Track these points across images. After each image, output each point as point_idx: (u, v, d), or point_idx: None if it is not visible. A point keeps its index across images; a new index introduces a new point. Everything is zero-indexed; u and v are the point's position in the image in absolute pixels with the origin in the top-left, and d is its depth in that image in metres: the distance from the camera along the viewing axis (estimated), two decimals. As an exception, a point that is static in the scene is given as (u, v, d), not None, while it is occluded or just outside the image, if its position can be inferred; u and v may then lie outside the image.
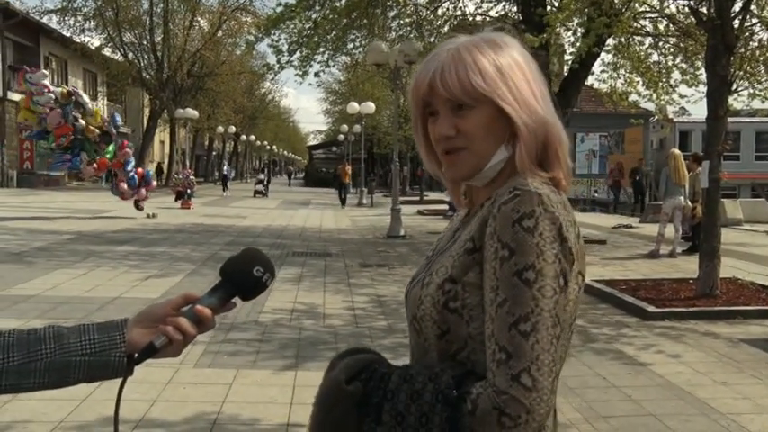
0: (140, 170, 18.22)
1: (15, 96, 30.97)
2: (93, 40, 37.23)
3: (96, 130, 16.37)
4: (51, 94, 15.67)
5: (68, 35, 34.57)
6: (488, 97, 1.19)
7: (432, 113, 1.26)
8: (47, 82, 15.97)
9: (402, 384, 1.14)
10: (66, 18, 34.60)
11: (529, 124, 1.21)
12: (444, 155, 1.26)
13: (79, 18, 34.98)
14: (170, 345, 1.21)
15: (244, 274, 1.26)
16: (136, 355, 1.22)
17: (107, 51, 37.12)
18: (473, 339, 1.18)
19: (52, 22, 34.62)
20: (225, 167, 38.26)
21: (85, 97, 16.33)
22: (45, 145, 16.89)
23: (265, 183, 33.77)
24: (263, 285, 1.27)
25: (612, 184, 27.84)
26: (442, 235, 1.43)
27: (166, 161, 43.56)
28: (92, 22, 35.56)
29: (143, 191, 17.72)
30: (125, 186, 17.27)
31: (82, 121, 15.99)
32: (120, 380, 1.21)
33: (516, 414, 1.07)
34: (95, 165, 16.74)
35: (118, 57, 37.39)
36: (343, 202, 27.91)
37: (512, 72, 1.22)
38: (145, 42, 38.02)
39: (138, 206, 17.88)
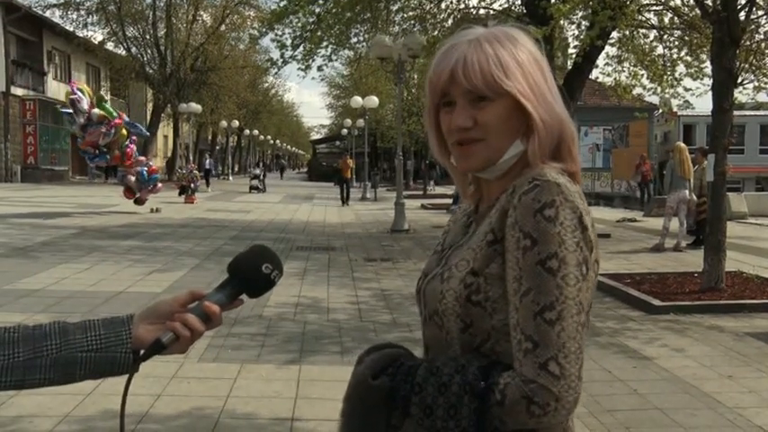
0: (154, 167, 18.41)
1: (18, 91, 31.04)
2: (96, 35, 37.28)
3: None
4: (81, 119, 16.25)
5: (71, 30, 34.61)
6: (508, 91, 1.19)
7: (448, 103, 1.25)
8: (86, 106, 16.26)
9: (429, 377, 1.15)
10: (68, 12, 34.63)
11: (546, 120, 1.21)
12: (458, 145, 1.25)
13: (82, 12, 34.98)
14: (177, 341, 1.20)
15: (252, 271, 1.24)
16: (142, 351, 1.21)
17: (110, 46, 37.12)
18: (497, 331, 1.18)
19: (55, 16, 34.76)
20: (207, 161, 36.08)
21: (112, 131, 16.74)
22: (71, 130, 17.54)
23: (261, 178, 33.30)
24: (272, 282, 1.25)
25: (641, 180, 27.40)
26: (447, 229, 1.42)
27: (169, 155, 43.49)
28: (94, 17, 35.54)
29: (146, 191, 17.77)
30: (132, 179, 17.34)
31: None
32: (125, 376, 1.20)
33: (545, 402, 1.08)
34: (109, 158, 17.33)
35: (121, 51, 37.39)
36: (345, 199, 25.41)
37: (530, 67, 1.22)
38: (148, 37, 37.93)
39: (138, 202, 17.92)
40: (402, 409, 1.15)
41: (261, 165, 39.22)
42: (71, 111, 16.51)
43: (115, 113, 16.98)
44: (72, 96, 16.23)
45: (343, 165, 26.74)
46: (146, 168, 17.49)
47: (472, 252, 1.22)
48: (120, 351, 1.19)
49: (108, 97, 35.61)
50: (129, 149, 17.12)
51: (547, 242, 1.12)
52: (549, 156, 1.23)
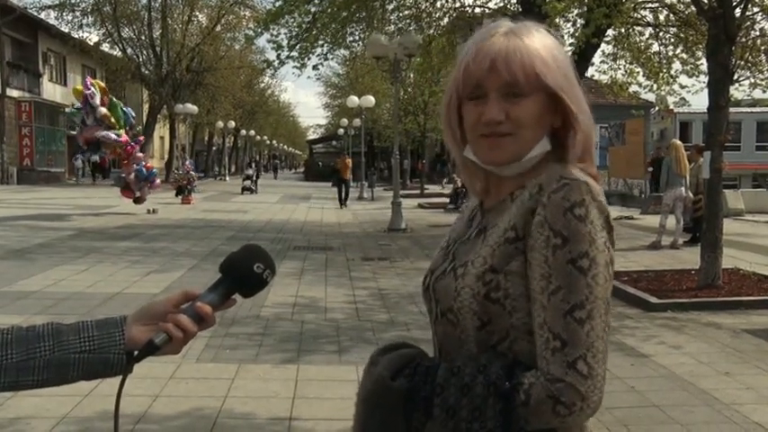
0: (149, 164, 18.41)
1: (14, 93, 30.97)
2: (92, 36, 37.13)
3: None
4: (90, 119, 16.31)
5: (67, 31, 34.48)
6: (548, 86, 1.18)
7: (477, 96, 1.22)
8: (98, 101, 16.24)
9: (450, 378, 1.13)
10: (63, 14, 34.40)
11: (583, 119, 1.21)
12: (484, 138, 1.22)
13: (77, 13, 34.72)
14: (170, 342, 1.20)
15: (244, 271, 1.24)
16: (135, 352, 1.20)
17: (106, 47, 36.98)
18: (515, 329, 1.17)
19: (50, 17, 34.54)
20: (188, 162, 35.20)
21: (113, 135, 16.68)
22: (75, 122, 17.82)
23: (254, 178, 32.87)
24: (264, 282, 1.25)
25: (652, 178, 27.25)
26: (454, 226, 1.40)
27: (167, 157, 43.35)
28: (90, 18, 35.31)
29: (146, 189, 17.77)
30: (132, 177, 17.31)
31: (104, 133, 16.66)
32: (119, 377, 1.20)
33: (571, 402, 1.08)
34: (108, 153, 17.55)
35: (116, 52, 37.26)
36: (343, 200, 24.09)
37: (564, 63, 1.22)
38: (143, 38, 37.81)
39: (138, 202, 17.92)
40: (423, 410, 1.13)
41: (253, 165, 38.27)
42: (81, 107, 16.54)
43: (123, 123, 16.84)
44: (86, 92, 16.18)
45: (341, 165, 25.21)
46: (142, 165, 17.46)
47: (489, 249, 1.20)
48: (113, 352, 1.18)
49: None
50: (129, 147, 17.08)
51: (578, 241, 1.11)
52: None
